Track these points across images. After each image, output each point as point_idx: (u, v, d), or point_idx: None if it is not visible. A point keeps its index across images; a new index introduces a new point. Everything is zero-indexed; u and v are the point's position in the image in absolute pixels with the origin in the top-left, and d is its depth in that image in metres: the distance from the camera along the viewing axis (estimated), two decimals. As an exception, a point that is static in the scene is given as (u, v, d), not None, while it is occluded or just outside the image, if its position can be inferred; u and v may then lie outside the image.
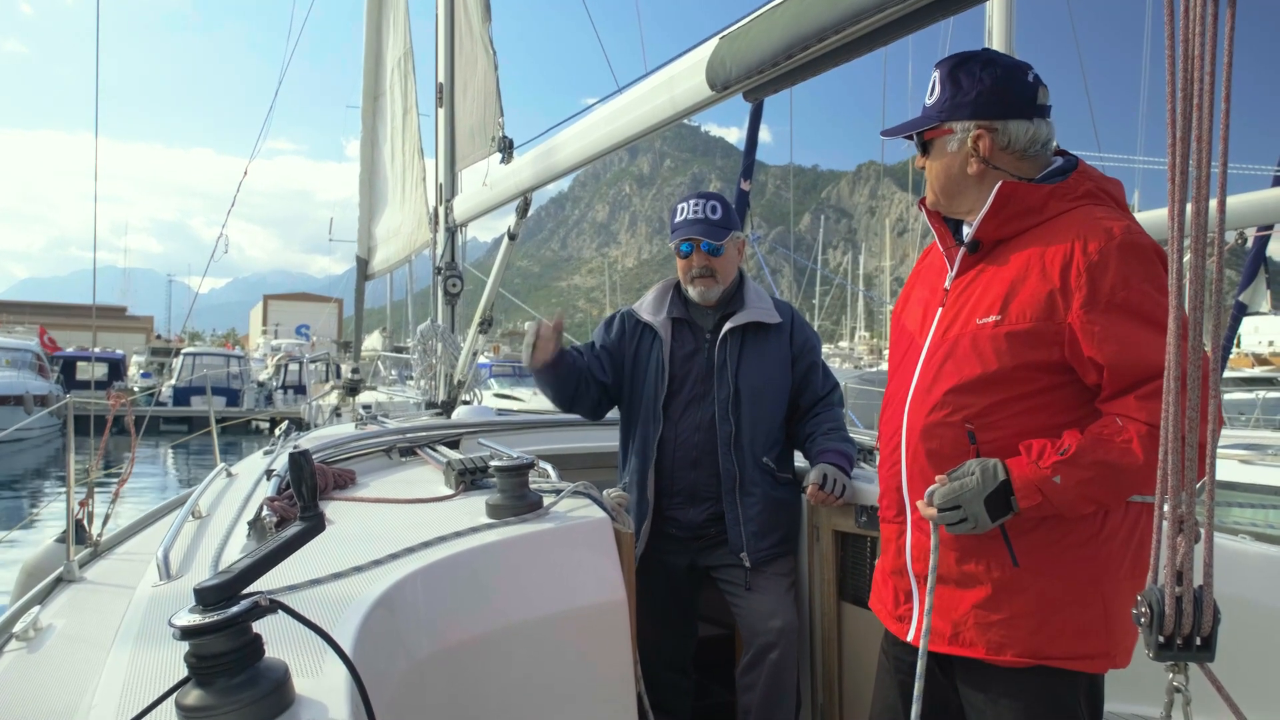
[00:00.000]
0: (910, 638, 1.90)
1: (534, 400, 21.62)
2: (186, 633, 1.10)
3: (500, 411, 5.19)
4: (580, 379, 2.93)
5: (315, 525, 1.36)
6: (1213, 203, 1.32)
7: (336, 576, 1.69)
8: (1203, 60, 1.32)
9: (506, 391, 24.18)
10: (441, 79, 5.28)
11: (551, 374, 2.83)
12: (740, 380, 2.82)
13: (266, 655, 1.19)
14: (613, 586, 2.04)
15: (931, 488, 1.79)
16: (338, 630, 1.43)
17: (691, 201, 2.93)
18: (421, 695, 1.67)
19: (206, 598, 1.14)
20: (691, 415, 2.86)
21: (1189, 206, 1.33)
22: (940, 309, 1.91)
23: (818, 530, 2.87)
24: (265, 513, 2.13)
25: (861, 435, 3.54)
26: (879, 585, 2.04)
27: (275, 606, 1.19)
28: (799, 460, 2.99)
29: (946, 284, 1.92)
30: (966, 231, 1.93)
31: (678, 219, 2.90)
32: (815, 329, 3.20)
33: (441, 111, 5.26)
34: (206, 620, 1.11)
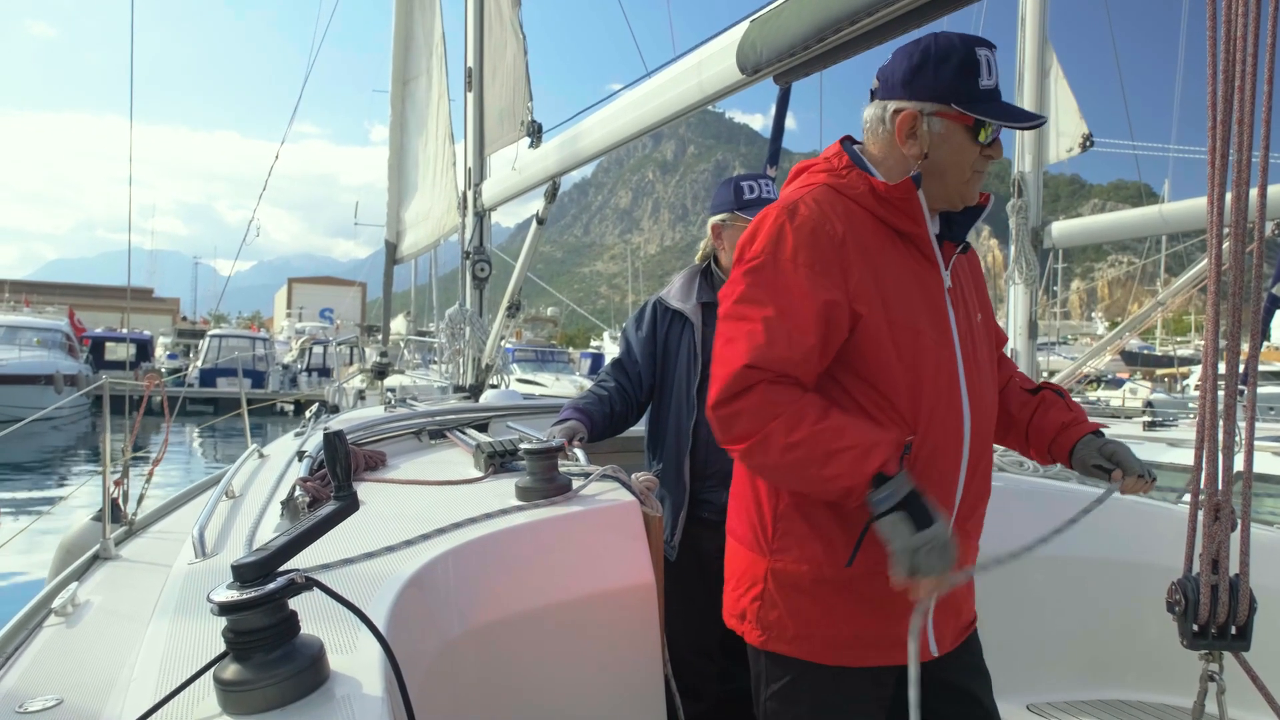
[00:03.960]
0: (939, 649, 1.84)
1: (556, 386, 21.72)
2: (225, 608, 1.12)
3: (526, 396, 5.21)
4: (618, 424, 3.01)
5: (349, 505, 1.37)
6: (1253, 191, 1.30)
7: (369, 556, 1.70)
8: (1245, 41, 1.30)
9: (529, 377, 24.28)
10: (471, 63, 5.29)
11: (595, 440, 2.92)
12: None
13: (302, 632, 1.20)
14: (641, 570, 2.05)
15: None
16: (371, 608, 1.44)
17: (761, 182, 2.90)
18: (453, 673, 1.69)
19: (244, 574, 1.15)
20: None
21: (1228, 194, 1.32)
22: (950, 309, 1.81)
23: None
24: (298, 493, 2.15)
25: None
26: (888, 624, 1.77)
27: (311, 584, 1.21)
28: None
29: (947, 282, 1.82)
30: (932, 224, 1.82)
31: (749, 196, 2.87)
32: None
33: (470, 96, 5.27)
34: (244, 596, 1.12)
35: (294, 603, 1.20)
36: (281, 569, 1.20)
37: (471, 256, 4.95)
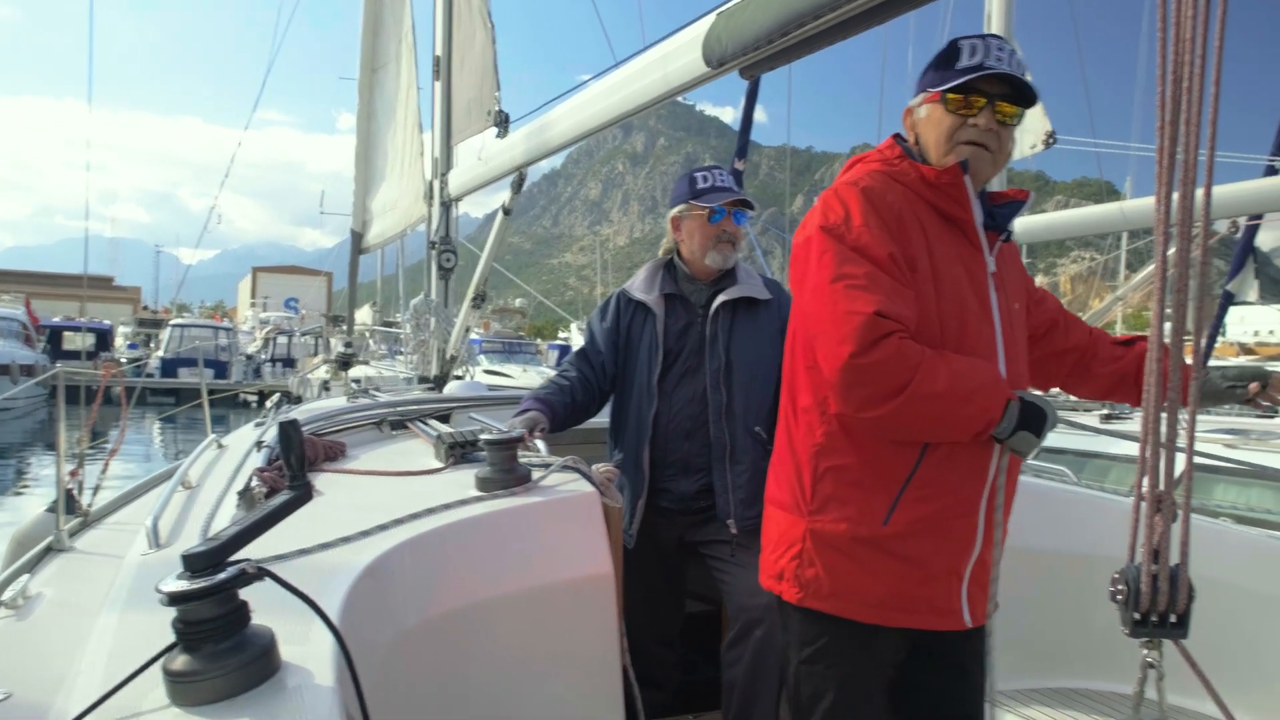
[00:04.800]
0: (969, 620, 1.91)
1: (523, 377, 21.65)
2: (174, 598, 1.11)
3: (490, 388, 5.19)
4: (579, 414, 3.02)
5: (303, 494, 1.37)
6: (1199, 191, 1.33)
7: (324, 546, 1.70)
8: (1194, 43, 1.32)
9: (496, 368, 24.16)
10: (439, 52, 5.25)
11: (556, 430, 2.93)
12: (732, 352, 2.85)
13: (253, 622, 1.19)
14: (599, 560, 2.06)
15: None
16: (325, 599, 1.44)
17: (715, 172, 2.96)
18: (408, 664, 1.68)
19: (194, 564, 1.14)
20: (685, 388, 2.88)
21: (1175, 194, 1.34)
22: (993, 292, 1.92)
23: None
24: (255, 483, 2.14)
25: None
26: (921, 584, 1.86)
27: (262, 574, 1.20)
28: None
29: (991, 266, 1.93)
30: (978, 210, 1.92)
31: (705, 185, 2.91)
32: None
33: (438, 85, 5.24)
34: (194, 586, 1.12)
35: (248, 593, 1.19)
36: (233, 559, 1.19)
37: (437, 247, 4.93)
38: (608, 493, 2.23)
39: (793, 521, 1.93)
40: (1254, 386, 2.05)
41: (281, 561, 1.61)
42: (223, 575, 1.15)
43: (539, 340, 44.17)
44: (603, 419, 3.13)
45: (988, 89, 1.84)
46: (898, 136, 2.01)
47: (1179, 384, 1.34)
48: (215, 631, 1.14)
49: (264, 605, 1.28)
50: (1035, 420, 1.74)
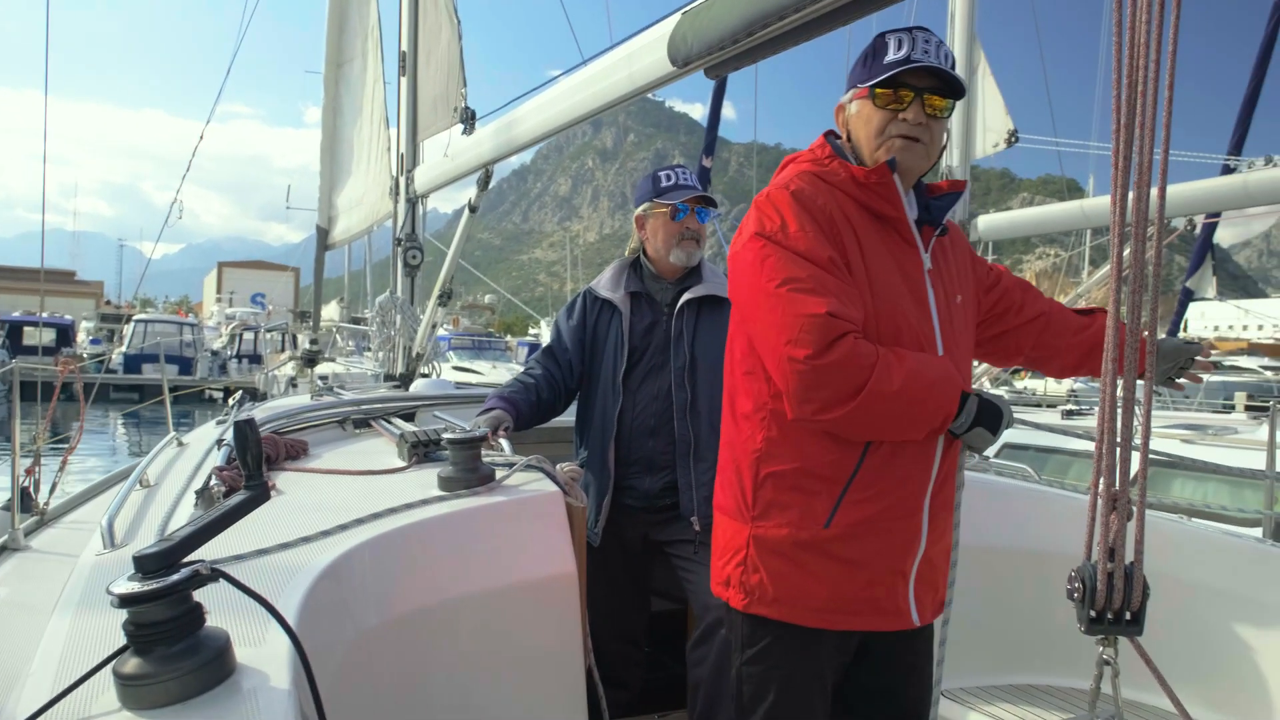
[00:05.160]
0: (918, 620, 1.92)
1: (493, 373, 21.54)
2: (125, 600, 1.09)
3: (459, 384, 5.16)
4: (544, 412, 3.01)
5: (259, 495, 1.35)
6: (1153, 190, 1.35)
7: (284, 547, 1.68)
8: (1148, 48, 1.34)
9: (465, 365, 24.01)
10: (405, 47, 5.21)
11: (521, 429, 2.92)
12: (696, 350, 2.86)
13: (208, 624, 1.18)
14: (563, 559, 2.06)
15: None
16: (282, 600, 1.43)
17: (677, 170, 2.98)
18: (368, 665, 1.67)
19: (146, 565, 1.13)
20: (650, 385, 2.88)
21: (1130, 193, 1.36)
22: (930, 289, 1.90)
23: None
24: (214, 482, 2.11)
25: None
26: (864, 587, 1.85)
27: (216, 575, 1.19)
28: None
29: (927, 263, 1.92)
30: (910, 207, 1.93)
31: (669, 183, 2.92)
32: None
33: (404, 80, 5.20)
34: (145, 588, 1.10)
35: (205, 595, 1.18)
36: (187, 560, 1.18)
37: (403, 244, 4.89)
38: (571, 492, 2.22)
39: (737, 528, 1.92)
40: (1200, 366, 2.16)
41: (240, 562, 1.59)
42: (175, 577, 1.13)
43: (509, 336, 44.04)
44: (569, 417, 3.13)
45: (916, 83, 1.81)
46: (829, 134, 2.00)
47: (1133, 386, 1.36)
48: (167, 634, 1.12)
49: (220, 606, 1.27)
50: (991, 417, 1.75)
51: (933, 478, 1.85)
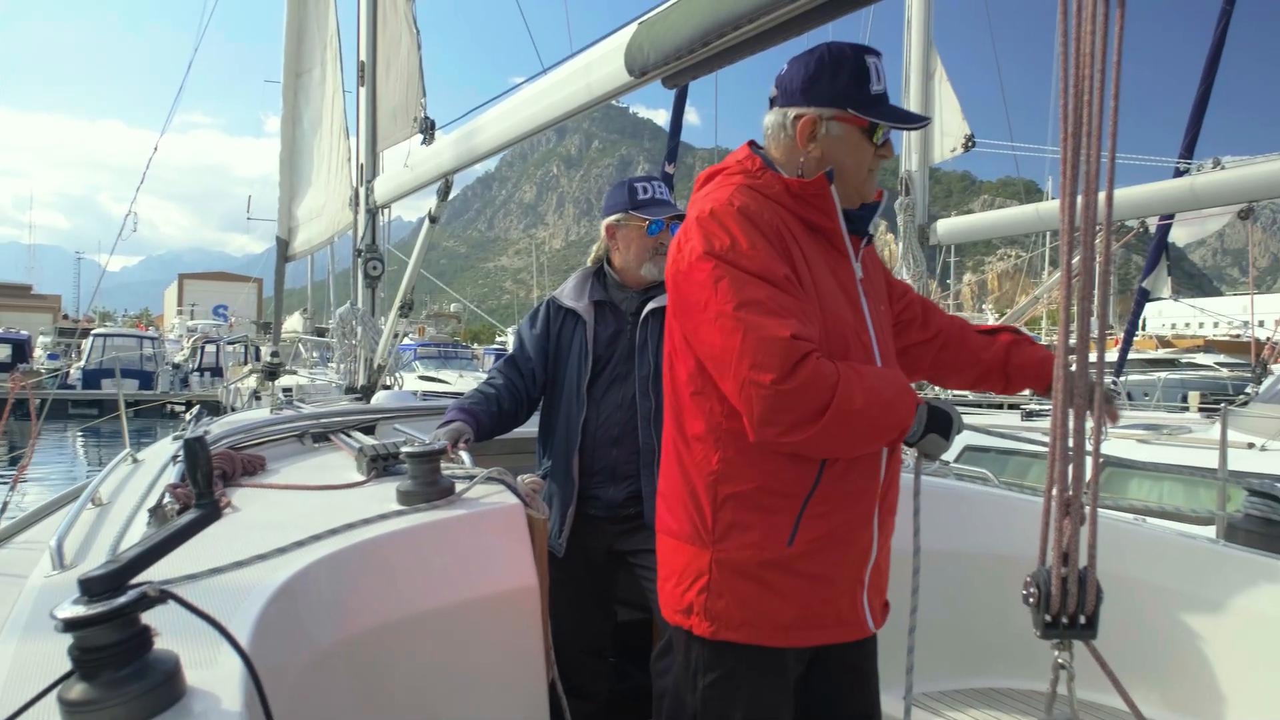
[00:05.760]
0: (873, 626, 1.95)
1: (460, 383, 21.44)
2: (69, 624, 1.07)
3: (425, 394, 5.13)
4: (506, 423, 2.98)
5: (210, 513, 1.33)
6: (1101, 195, 1.37)
7: (239, 565, 1.65)
8: (1093, 58, 1.36)
9: (432, 374, 23.88)
10: (364, 57, 5.18)
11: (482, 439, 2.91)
12: (660, 359, 2.86)
13: (157, 647, 1.16)
14: (524, 573, 2.04)
15: None
16: (236, 619, 1.41)
17: (654, 183, 2.98)
18: (325, 684, 1.65)
19: (92, 588, 1.10)
20: (614, 394, 2.88)
21: (1079, 199, 1.38)
22: (863, 298, 1.93)
23: None
24: (168, 500, 2.08)
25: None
26: (829, 600, 1.88)
27: (165, 596, 1.16)
28: None
29: (859, 273, 1.95)
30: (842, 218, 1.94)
31: (644, 196, 2.92)
32: None
33: (363, 90, 5.16)
34: (90, 612, 1.07)
35: (156, 617, 1.16)
36: (135, 581, 1.15)
37: (363, 254, 4.85)
38: (533, 504, 2.21)
39: (695, 553, 1.88)
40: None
41: (193, 581, 1.56)
42: (121, 599, 1.10)
43: (475, 345, 43.86)
44: (531, 428, 3.12)
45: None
46: (753, 145, 1.98)
47: (1086, 392, 1.38)
48: (114, 658, 1.10)
49: (171, 628, 1.24)
50: (942, 423, 1.76)
51: (880, 485, 1.87)
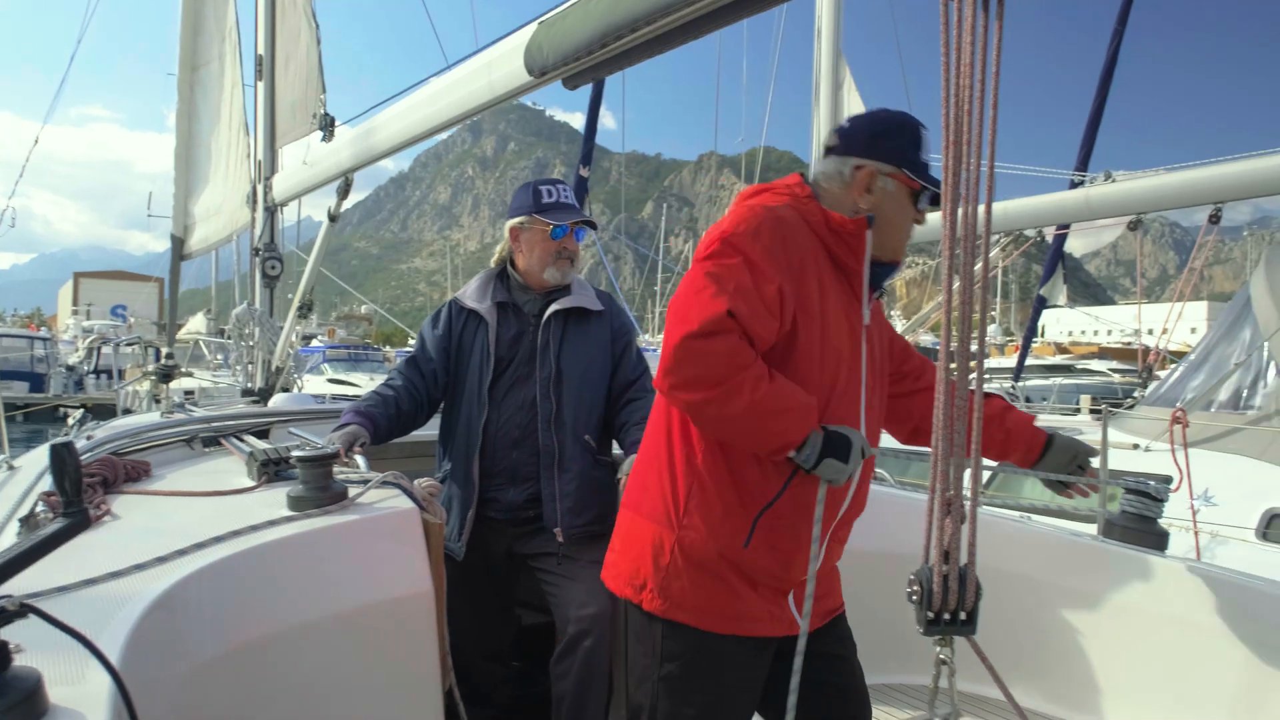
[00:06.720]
0: (807, 626, 1.98)
1: (370, 386, 21.06)
2: None
3: (334, 398, 5.02)
4: (404, 425, 2.94)
5: (79, 522, 1.27)
6: (980, 207, 1.40)
7: (114, 575, 1.59)
8: (973, 68, 1.39)
9: (341, 377, 23.39)
10: (262, 51, 5.05)
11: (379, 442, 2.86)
12: (563, 360, 2.85)
13: (17, 663, 1.10)
14: (418, 578, 2.01)
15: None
16: (108, 633, 1.35)
17: (559, 187, 2.95)
18: (205, 699, 1.59)
19: (-57, 605, 1.05)
20: (515, 396, 2.85)
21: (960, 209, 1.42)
22: (864, 344, 2.00)
23: None
24: (40, 508, 1.98)
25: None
26: (766, 604, 1.97)
27: (26, 610, 1.11)
28: (616, 449, 3.02)
29: (866, 319, 2.01)
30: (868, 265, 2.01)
31: (548, 200, 2.89)
32: (658, 315, 3.27)
33: (261, 85, 5.04)
34: (-61, 630, 1.02)
35: (20, 632, 1.10)
36: (-8, 596, 1.10)
37: (261, 253, 4.73)
38: (429, 508, 2.17)
39: (658, 532, 1.94)
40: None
41: (64, 594, 1.49)
42: (-22, 615, 1.05)
43: (387, 348, 43.14)
44: (430, 431, 3.07)
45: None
46: (804, 177, 2.06)
47: (964, 390, 1.42)
48: (-32, 676, 1.04)
49: (38, 644, 1.18)
50: (840, 447, 1.80)
51: (840, 513, 1.97)
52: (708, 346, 1.71)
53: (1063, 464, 2.21)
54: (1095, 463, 2.29)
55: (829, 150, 2.03)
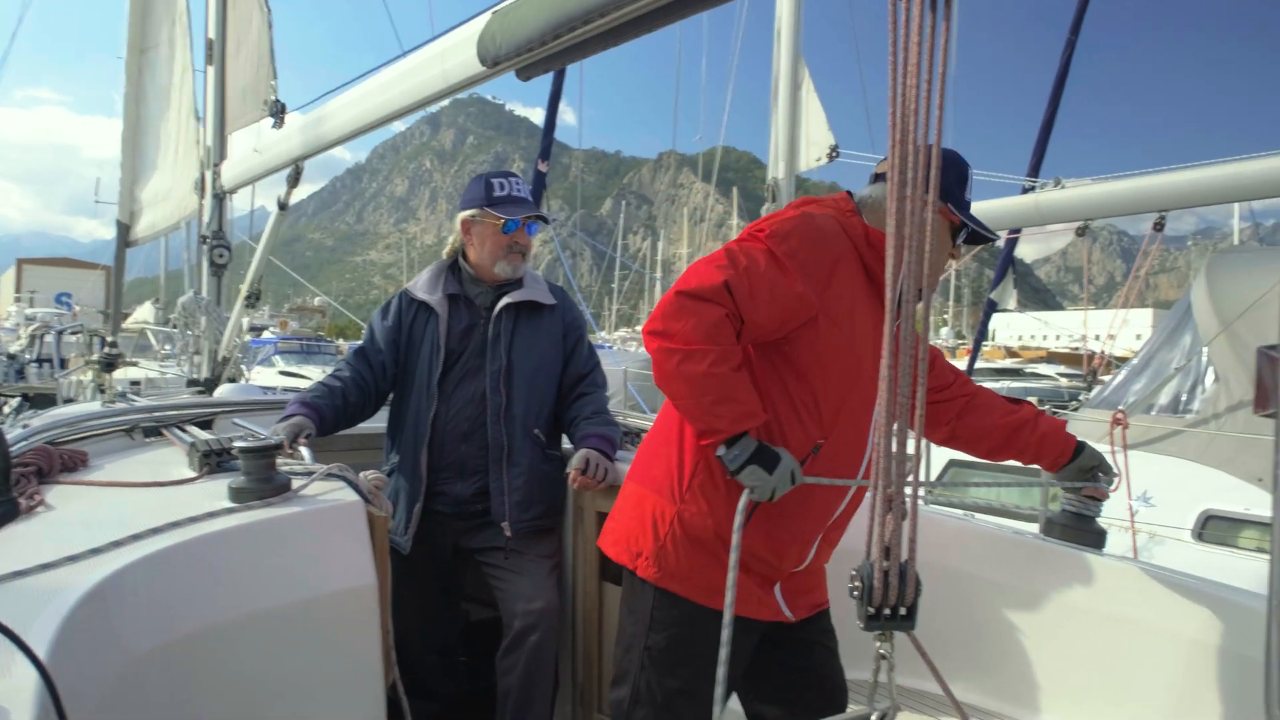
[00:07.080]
0: (794, 615, 2.13)
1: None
2: None
3: (285, 390, 4.95)
4: (351, 416, 2.91)
5: (6, 512, 1.24)
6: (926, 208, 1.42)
7: (46, 567, 1.55)
8: (919, 68, 1.41)
9: (293, 369, 23.09)
10: (213, 35, 4.96)
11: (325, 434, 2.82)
12: (514, 354, 2.83)
13: None
14: (362, 571, 1.98)
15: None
16: (36, 627, 1.31)
17: (511, 180, 2.93)
18: (140, 695, 1.56)
19: None
20: (465, 389, 2.83)
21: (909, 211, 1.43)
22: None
23: (582, 512, 2.90)
24: (-31, 499, 1.93)
25: (637, 420, 3.61)
26: (755, 588, 2.06)
27: None
28: (566, 444, 3.01)
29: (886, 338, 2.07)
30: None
31: (500, 193, 2.86)
32: (615, 313, 3.27)
33: (211, 70, 4.95)
34: None
35: None
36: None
37: (209, 241, 4.64)
38: (375, 500, 2.15)
39: (660, 504, 2.04)
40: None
41: None
42: (-109, 608, 1.02)
43: (340, 340, 42.62)
44: (378, 424, 3.04)
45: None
46: (850, 194, 2.14)
47: (911, 393, 1.43)
48: (-123, 672, 1.01)
49: None
50: (769, 460, 1.86)
51: (833, 518, 2.08)
52: (694, 307, 1.82)
53: (1082, 472, 2.34)
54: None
55: (877, 176, 2.12)
